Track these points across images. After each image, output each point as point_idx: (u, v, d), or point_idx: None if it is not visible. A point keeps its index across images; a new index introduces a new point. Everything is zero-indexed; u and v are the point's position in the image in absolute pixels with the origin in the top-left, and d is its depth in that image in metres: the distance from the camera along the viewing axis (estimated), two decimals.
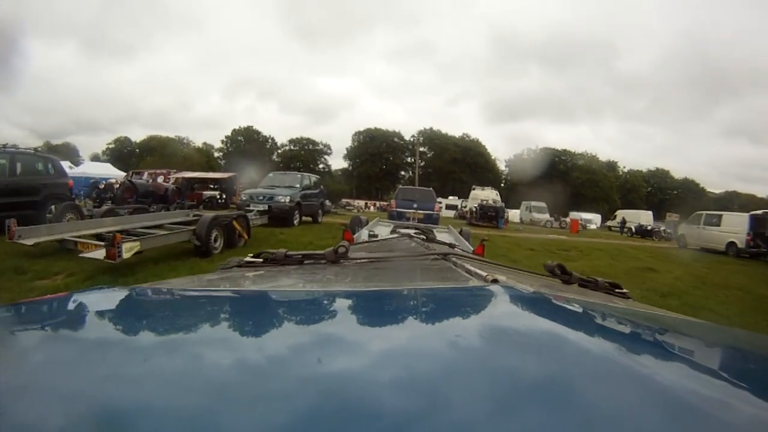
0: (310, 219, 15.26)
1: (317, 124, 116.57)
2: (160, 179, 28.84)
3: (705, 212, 18.81)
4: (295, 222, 13.16)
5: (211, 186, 26.10)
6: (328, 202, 27.84)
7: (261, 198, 12.89)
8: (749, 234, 15.94)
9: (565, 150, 69.65)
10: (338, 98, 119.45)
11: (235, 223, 7.41)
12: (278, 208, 12.57)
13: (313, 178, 16.30)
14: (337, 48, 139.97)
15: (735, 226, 16.62)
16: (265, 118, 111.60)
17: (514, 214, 33.44)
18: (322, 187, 16.83)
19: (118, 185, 16.61)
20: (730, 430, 0.37)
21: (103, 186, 17.03)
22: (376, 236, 2.39)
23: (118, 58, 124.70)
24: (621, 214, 38.92)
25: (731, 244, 16.44)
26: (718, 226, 17.37)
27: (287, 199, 12.80)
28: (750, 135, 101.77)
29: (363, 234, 4.85)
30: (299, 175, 15.23)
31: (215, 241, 6.93)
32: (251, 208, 11.62)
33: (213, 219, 6.80)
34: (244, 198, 13.23)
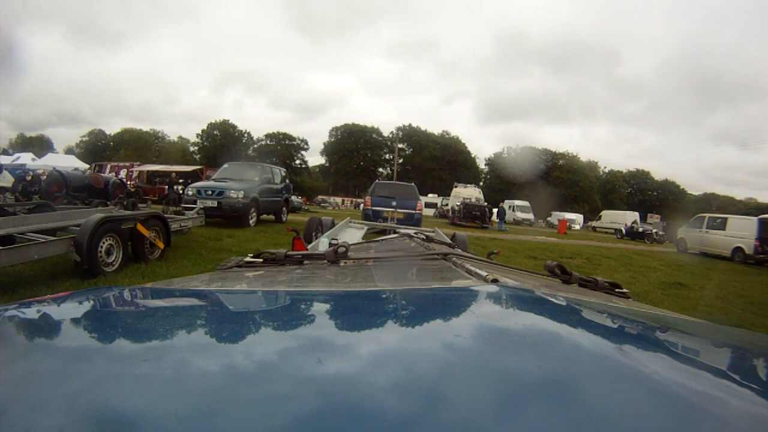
0: (272, 217, 13.17)
1: (305, 120, 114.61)
2: (122, 172, 26.71)
3: (708, 215, 17.46)
4: (252, 222, 11.03)
5: (180, 180, 23.69)
6: (296, 198, 26.01)
7: (210, 192, 10.68)
8: (757, 239, 14.61)
9: (545, 149, 69.22)
10: (330, 95, 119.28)
11: (140, 226, 5.21)
12: (230, 204, 10.42)
13: (278, 170, 14.03)
14: (335, 43, 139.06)
15: (741, 231, 15.24)
16: (253, 113, 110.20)
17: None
18: (287, 181, 14.64)
19: (45, 177, 14.01)
20: (730, 428, 0.37)
21: (30, 178, 14.33)
22: (337, 244, 1.41)
23: (107, 47, 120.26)
24: (607, 214, 37.97)
25: (738, 249, 15.09)
26: (723, 230, 16.03)
27: (240, 194, 10.61)
28: (737, 140, 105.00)
29: (322, 242, 3.86)
30: (260, 167, 12.93)
31: (108, 253, 4.76)
32: (196, 205, 9.42)
33: (102, 222, 4.59)
34: (191, 192, 10.96)
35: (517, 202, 37.58)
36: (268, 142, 70.65)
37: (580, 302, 0.84)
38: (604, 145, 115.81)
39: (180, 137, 73.01)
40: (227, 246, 7.42)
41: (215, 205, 10.30)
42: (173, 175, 24.75)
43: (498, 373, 0.44)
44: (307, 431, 0.33)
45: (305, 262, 1.27)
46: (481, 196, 29.99)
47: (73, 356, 0.48)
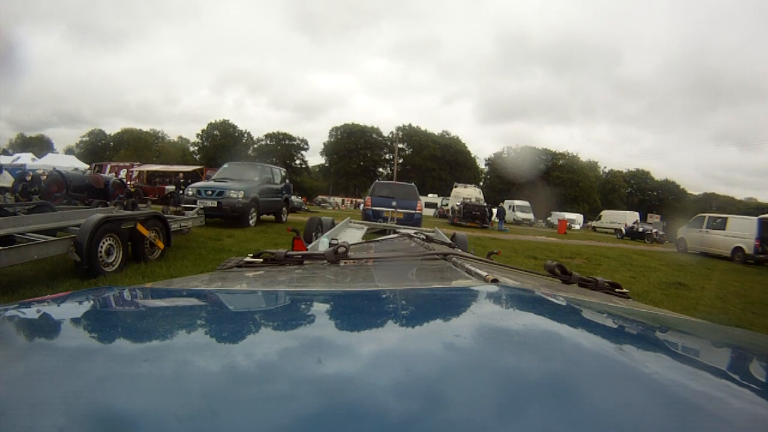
0: (272, 217, 13.18)
1: (305, 120, 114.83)
2: (122, 172, 26.70)
3: (708, 215, 17.47)
4: (252, 222, 11.03)
5: (181, 181, 23.66)
6: (296, 198, 26.02)
7: (209, 193, 10.68)
8: (757, 239, 14.61)
9: (545, 149, 69.24)
10: (330, 95, 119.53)
11: (140, 227, 5.21)
12: (230, 205, 10.41)
13: (278, 170, 14.03)
14: (336, 43, 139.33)
15: (741, 231, 15.25)
16: (253, 113, 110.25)
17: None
18: (287, 181, 14.64)
19: (45, 177, 13.99)
20: (730, 428, 0.37)
21: (29, 178, 14.31)
22: (337, 244, 1.40)
23: (107, 47, 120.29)
24: (607, 214, 37.99)
25: (738, 249, 15.10)
26: (723, 229, 16.04)
27: (240, 195, 10.61)
28: (737, 140, 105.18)
29: (322, 242, 3.82)
30: (259, 167, 12.95)
31: (108, 254, 4.76)
32: (196, 205, 9.42)
33: (102, 222, 4.59)
34: (191, 192, 10.96)
35: (517, 202, 37.54)
36: (268, 142, 70.81)
37: (580, 302, 0.83)
38: (604, 145, 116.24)
39: (180, 137, 73.53)
40: (227, 246, 7.41)
41: (215, 205, 10.30)
42: (180, 175, 24.72)
43: (498, 373, 0.44)
44: (307, 431, 0.33)
45: (305, 262, 1.26)
46: (481, 196, 29.97)
47: (73, 356, 0.48)
